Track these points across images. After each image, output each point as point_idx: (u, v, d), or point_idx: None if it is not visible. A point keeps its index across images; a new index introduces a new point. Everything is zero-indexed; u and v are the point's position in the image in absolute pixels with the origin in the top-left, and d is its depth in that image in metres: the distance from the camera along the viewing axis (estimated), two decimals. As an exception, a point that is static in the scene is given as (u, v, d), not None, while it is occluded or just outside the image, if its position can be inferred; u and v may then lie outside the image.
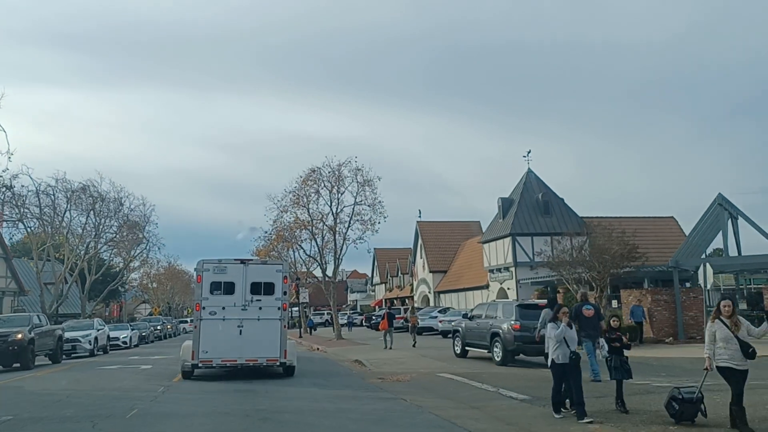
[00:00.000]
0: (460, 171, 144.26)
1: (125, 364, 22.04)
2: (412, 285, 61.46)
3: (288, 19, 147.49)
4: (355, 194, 37.16)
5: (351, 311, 69.60)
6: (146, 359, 24.65)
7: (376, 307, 77.24)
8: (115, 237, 47.74)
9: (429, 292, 54.71)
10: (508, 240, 39.55)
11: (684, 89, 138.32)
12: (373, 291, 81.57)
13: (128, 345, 35.65)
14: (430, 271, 54.29)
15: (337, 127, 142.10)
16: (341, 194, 37.39)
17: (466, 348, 21.19)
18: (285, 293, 15.62)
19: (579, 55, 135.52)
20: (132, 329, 38.32)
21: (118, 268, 59.91)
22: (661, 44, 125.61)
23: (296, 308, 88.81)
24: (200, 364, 15.15)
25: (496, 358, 18.88)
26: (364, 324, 55.44)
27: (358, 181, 36.91)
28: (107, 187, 46.59)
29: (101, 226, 46.74)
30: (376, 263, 77.77)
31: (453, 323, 25.46)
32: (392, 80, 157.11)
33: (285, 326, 15.45)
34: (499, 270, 41.01)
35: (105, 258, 57.91)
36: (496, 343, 18.87)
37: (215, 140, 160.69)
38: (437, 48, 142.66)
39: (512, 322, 18.32)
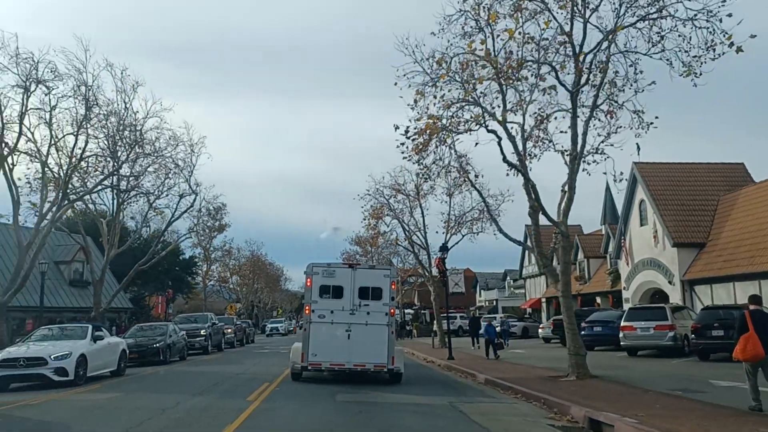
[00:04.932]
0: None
1: None
2: (615, 273, 37.26)
3: (382, 27, 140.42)
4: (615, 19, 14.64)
5: (505, 316, 46.43)
6: None
7: (528, 308, 53.66)
8: (133, 170, 27.27)
9: (671, 282, 30.45)
10: None
11: None
12: (522, 287, 57.60)
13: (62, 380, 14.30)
14: (674, 245, 30.07)
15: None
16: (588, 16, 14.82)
17: None
18: (393, 298, 15.41)
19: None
20: (68, 338, 16.70)
21: (165, 241, 39.74)
22: None
23: (406, 309, 66.65)
24: (309, 367, 14.81)
25: None
26: (538, 335, 32.01)
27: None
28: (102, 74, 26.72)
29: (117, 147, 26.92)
30: (528, 244, 53.93)
31: None
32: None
33: (393, 332, 15.19)
34: None
35: (133, 222, 38.30)
36: None
37: (313, 146, 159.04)
38: None
39: None
